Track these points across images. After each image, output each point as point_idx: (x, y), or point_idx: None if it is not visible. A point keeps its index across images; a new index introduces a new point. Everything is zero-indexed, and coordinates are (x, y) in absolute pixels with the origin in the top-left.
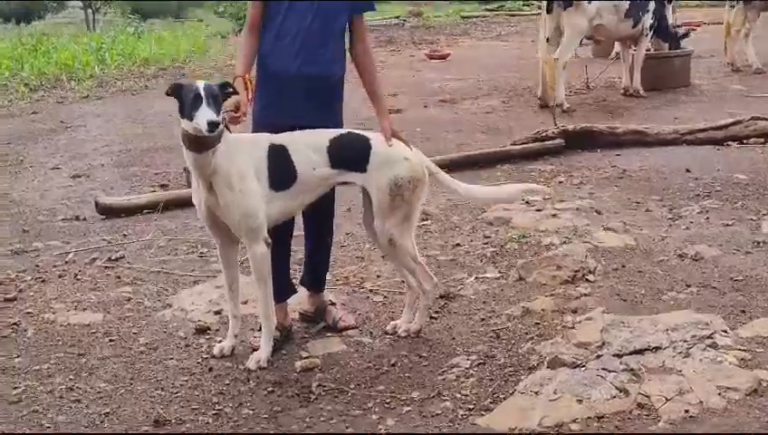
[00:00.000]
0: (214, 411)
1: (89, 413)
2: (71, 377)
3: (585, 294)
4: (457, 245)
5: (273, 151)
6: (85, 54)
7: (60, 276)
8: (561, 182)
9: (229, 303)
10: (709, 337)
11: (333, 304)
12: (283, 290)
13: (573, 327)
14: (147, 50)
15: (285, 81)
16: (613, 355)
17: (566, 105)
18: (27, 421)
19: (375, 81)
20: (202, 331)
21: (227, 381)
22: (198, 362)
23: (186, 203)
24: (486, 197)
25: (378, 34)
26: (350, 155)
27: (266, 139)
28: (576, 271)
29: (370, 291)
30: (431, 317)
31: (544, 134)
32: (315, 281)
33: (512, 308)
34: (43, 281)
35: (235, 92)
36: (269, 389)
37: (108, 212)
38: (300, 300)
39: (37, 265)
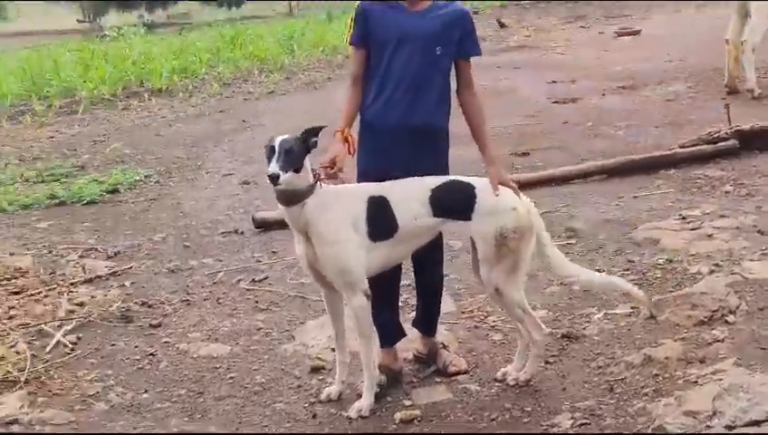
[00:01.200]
0: None
1: None
2: (185, 419)
3: (719, 340)
4: (597, 271)
5: (373, 203)
6: (276, 45)
7: (205, 299)
8: (727, 193)
9: (337, 350)
10: None
11: (445, 347)
12: (390, 334)
13: (696, 381)
14: (336, 37)
15: (387, 131)
16: (724, 426)
17: (757, 91)
18: None
19: (482, 126)
20: (317, 369)
21: (327, 430)
22: (305, 407)
23: None
24: (584, 280)
25: (567, 12)
26: (454, 204)
27: (365, 190)
28: (714, 311)
29: (492, 328)
30: (546, 362)
31: (716, 135)
32: (426, 325)
33: (633, 355)
34: (188, 304)
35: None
36: None
37: (263, 226)
38: (414, 339)
39: (187, 286)
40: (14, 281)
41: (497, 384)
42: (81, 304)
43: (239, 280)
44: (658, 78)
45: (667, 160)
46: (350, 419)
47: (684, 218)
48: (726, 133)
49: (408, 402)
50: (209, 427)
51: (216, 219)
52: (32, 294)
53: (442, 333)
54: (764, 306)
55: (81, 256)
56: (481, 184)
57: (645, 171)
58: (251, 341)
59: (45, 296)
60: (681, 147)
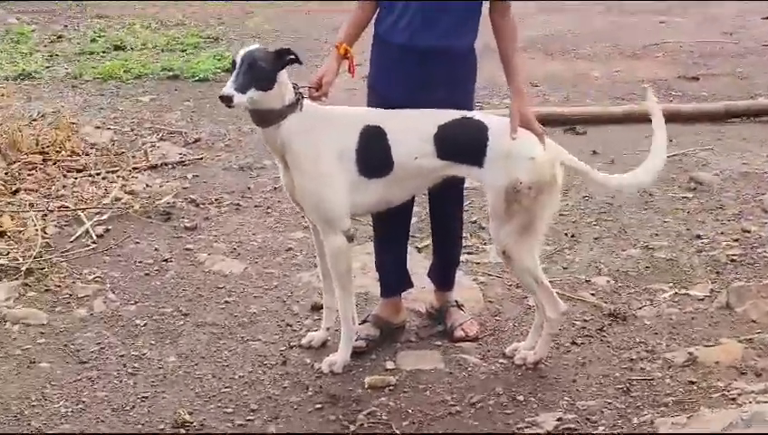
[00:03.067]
0: (241, 422)
1: (128, 394)
2: (152, 341)
3: None
4: (697, 237)
5: (368, 132)
6: None
7: (256, 206)
8: None
9: (324, 292)
10: None
11: (459, 306)
12: (392, 281)
13: (735, 399)
14: None
15: (397, 49)
16: None
17: None
18: (65, 394)
19: (512, 52)
20: (317, 308)
21: (286, 385)
22: (281, 350)
23: None
24: (642, 180)
25: None
26: (463, 145)
27: (360, 117)
28: None
29: None
30: (573, 343)
31: None
32: (440, 276)
33: (678, 351)
34: (237, 208)
35: (297, 61)
36: (317, 405)
37: None
38: (430, 291)
39: (248, 188)
40: (81, 157)
41: (502, 361)
42: (133, 193)
43: None
44: None
45: None
46: (322, 372)
47: None
48: None
49: (390, 365)
50: (169, 356)
51: None
52: (91, 175)
53: (469, 287)
54: None
55: (161, 139)
56: (496, 124)
57: None
58: (272, 262)
59: (103, 178)
60: None
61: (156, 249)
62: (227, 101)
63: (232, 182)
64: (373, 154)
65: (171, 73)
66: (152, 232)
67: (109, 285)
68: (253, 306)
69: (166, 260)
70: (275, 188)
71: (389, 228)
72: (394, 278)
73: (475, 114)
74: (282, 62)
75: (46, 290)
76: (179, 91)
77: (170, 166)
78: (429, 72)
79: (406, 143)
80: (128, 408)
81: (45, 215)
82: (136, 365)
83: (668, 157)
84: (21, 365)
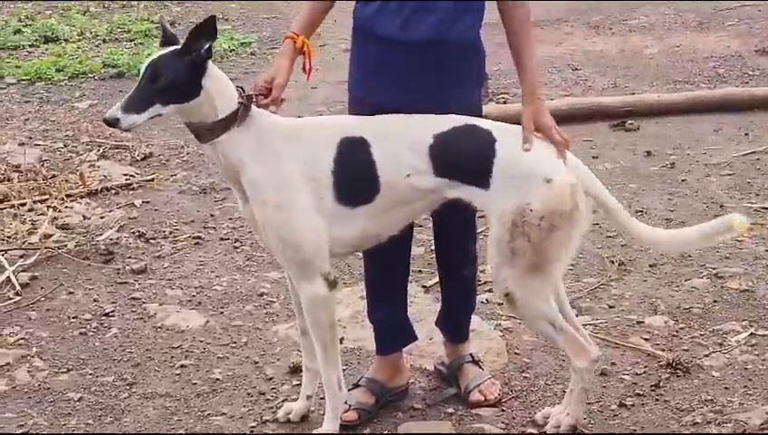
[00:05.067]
0: None
1: None
2: (88, 421)
3: None
4: None
5: (346, 147)
6: None
7: (222, 239)
8: None
9: (303, 352)
10: None
11: (476, 361)
12: (391, 335)
13: None
14: None
15: (383, 46)
16: None
17: None
18: None
19: (525, 47)
20: (297, 370)
21: None
22: (251, 427)
23: None
24: (678, 242)
25: None
26: (465, 160)
27: (337, 128)
28: None
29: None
30: (621, 404)
31: None
32: (451, 327)
33: (754, 411)
34: (198, 243)
35: (208, 56)
36: None
37: None
38: (440, 344)
39: (211, 216)
40: (1, 184)
41: (531, 431)
42: (66, 227)
43: None
44: None
45: None
46: None
47: None
48: None
49: None
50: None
51: None
52: (13, 206)
53: (488, 337)
54: None
55: (102, 156)
56: (507, 133)
57: None
58: (241, 312)
59: (30, 210)
60: None
61: (95, 300)
62: (112, 124)
63: (191, 209)
64: (354, 175)
65: (115, 71)
66: (90, 278)
67: (35, 350)
68: (216, 370)
69: (107, 314)
70: (240, 216)
71: (383, 267)
72: (392, 331)
73: (482, 122)
74: (194, 61)
75: None
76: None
77: (113, 191)
78: (424, 72)
79: (395, 158)
80: None
81: None
82: None
83: (742, 155)
84: None
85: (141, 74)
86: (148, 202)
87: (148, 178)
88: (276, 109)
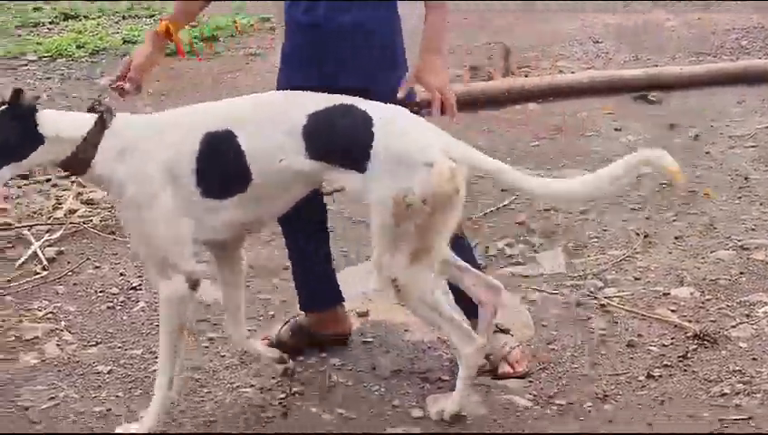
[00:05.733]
0: None
1: None
2: (118, 393)
3: None
4: None
5: (210, 143)
6: None
7: None
8: None
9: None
10: None
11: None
12: (323, 295)
13: None
14: None
15: (295, 32)
16: None
17: None
18: None
19: (438, 32)
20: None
21: None
22: (280, 399)
23: None
24: (574, 192)
25: None
26: (340, 141)
27: (201, 123)
28: None
29: (601, 307)
30: (649, 375)
31: None
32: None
33: None
34: None
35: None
36: None
37: None
38: None
39: None
40: None
41: (559, 402)
42: (91, 203)
43: None
44: None
45: None
46: None
47: None
48: None
49: (417, 413)
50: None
51: None
52: (38, 181)
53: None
54: None
55: None
56: (386, 113)
57: None
58: (269, 285)
59: (54, 186)
60: None
61: (121, 274)
62: None
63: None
64: (221, 169)
65: (135, 48)
66: (116, 252)
67: (63, 323)
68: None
69: (134, 288)
70: None
71: (310, 238)
72: (324, 290)
73: (362, 103)
74: (20, 113)
75: None
76: None
77: None
78: (326, 56)
79: (266, 143)
80: None
81: None
82: (99, 425)
83: (765, 127)
84: None
85: None
86: None
87: None
88: (137, 92)
